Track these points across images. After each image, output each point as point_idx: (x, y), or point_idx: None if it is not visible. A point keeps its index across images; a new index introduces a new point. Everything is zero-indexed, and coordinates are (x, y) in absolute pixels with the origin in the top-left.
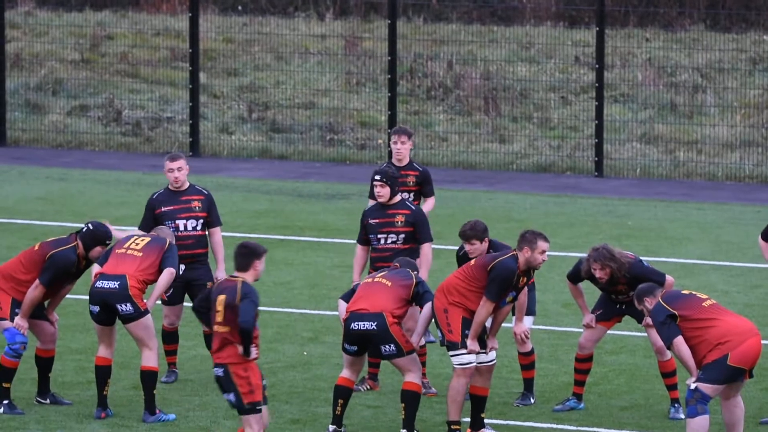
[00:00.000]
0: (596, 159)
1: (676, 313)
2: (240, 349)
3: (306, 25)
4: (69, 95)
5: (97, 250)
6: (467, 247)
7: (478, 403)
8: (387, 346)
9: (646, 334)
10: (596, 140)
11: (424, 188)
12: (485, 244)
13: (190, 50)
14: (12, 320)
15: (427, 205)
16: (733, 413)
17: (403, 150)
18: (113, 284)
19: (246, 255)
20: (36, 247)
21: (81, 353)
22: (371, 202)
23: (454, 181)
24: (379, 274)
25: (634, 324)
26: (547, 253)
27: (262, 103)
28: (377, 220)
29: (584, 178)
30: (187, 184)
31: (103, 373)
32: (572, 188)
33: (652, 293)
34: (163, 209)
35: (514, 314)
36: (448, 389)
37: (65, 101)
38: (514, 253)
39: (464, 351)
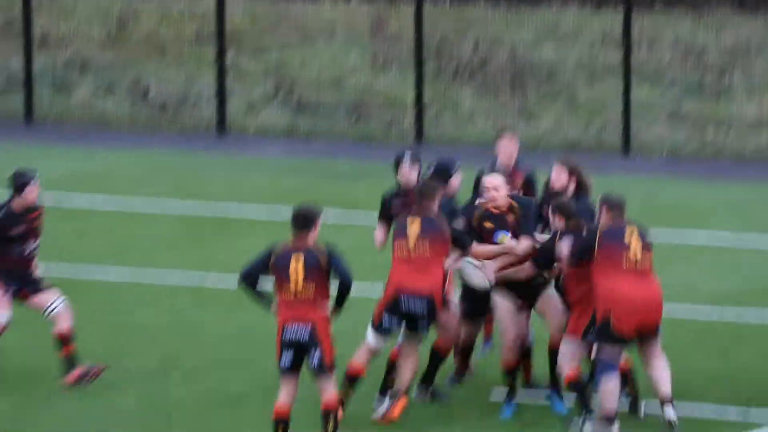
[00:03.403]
0: (623, 138)
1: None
2: (328, 308)
3: (332, 7)
4: (95, 74)
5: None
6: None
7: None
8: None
9: (672, 316)
10: (623, 119)
11: (527, 191)
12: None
13: (217, 29)
14: None
15: None
16: (652, 376)
17: (512, 149)
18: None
19: (306, 216)
20: None
21: (110, 328)
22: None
23: (481, 160)
24: None
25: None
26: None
27: (289, 82)
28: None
29: (611, 157)
30: None
31: None
32: (599, 167)
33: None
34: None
35: None
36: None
37: (92, 80)
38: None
39: None
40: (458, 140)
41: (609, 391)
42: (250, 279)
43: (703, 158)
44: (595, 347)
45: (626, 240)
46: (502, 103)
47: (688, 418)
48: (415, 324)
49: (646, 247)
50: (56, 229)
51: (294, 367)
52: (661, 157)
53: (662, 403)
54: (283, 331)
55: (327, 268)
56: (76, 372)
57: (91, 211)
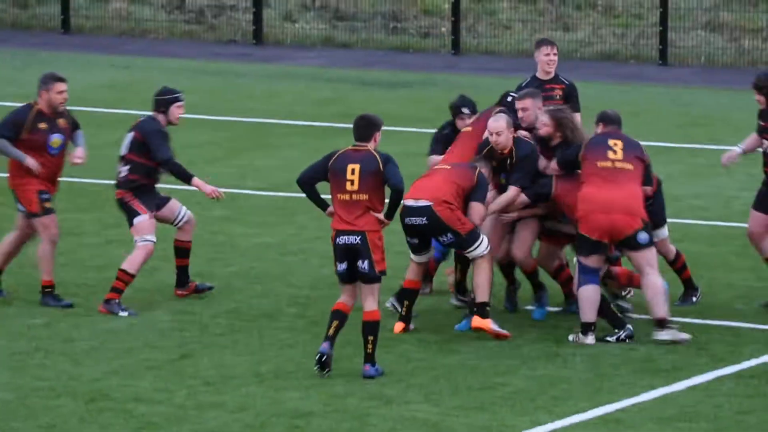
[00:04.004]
0: (660, 47)
1: (581, 157)
2: (379, 216)
3: None
4: None
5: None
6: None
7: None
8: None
9: (709, 222)
10: (660, 28)
11: (569, 104)
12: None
13: None
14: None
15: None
16: (646, 294)
17: (556, 61)
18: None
19: (367, 126)
20: None
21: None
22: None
23: (518, 70)
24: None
25: (698, 212)
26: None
27: None
28: None
29: (648, 67)
30: None
31: None
32: (636, 77)
33: (603, 121)
34: None
35: None
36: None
37: None
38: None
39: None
40: (494, 50)
41: (585, 299)
42: (307, 185)
43: (739, 67)
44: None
45: (609, 143)
46: (539, 12)
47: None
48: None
49: (631, 158)
50: (95, 138)
51: (349, 275)
52: (698, 66)
53: (655, 324)
54: (336, 238)
55: (382, 176)
56: (191, 285)
57: (128, 119)
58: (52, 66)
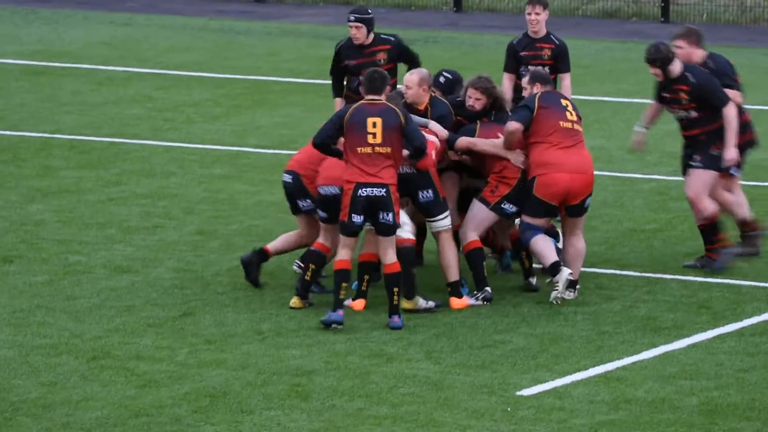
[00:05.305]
0: (662, 4)
1: (535, 112)
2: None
3: None
4: None
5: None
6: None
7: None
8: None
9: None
10: None
11: (559, 63)
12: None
13: None
14: None
15: (564, 84)
16: (568, 252)
17: (539, 20)
18: None
19: (382, 78)
20: None
21: (146, 197)
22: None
23: (519, 27)
24: None
25: None
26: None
27: None
28: (526, 53)
29: (650, 24)
30: (370, 38)
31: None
32: (638, 34)
33: (541, 81)
34: (347, 63)
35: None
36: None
37: None
38: None
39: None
40: (496, 7)
41: (540, 247)
42: (325, 145)
43: (741, 24)
44: (520, 219)
45: (563, 103)
46: None
47: None
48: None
49: (580, 120)
50: (95, 96)
51: (361, 228)
52: (700, 24)
53: (567, 285)
54: (356, 190)
55: (403, 131)
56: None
57: (128, 76)
58: (52, 22)
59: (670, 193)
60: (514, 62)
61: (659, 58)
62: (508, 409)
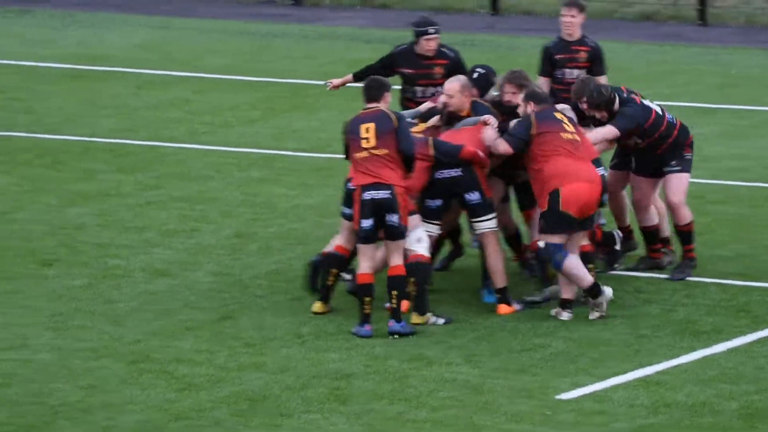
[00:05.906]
0: (700, 7)
1: (535, 131)
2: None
3: None
4: None
5: None
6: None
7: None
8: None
9: (750, 183)
10: None
11: (594, 66)
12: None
13: None
14: None
15: None
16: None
17: (573, 23)
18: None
19: (378, 87)
20: None
21: (184, 201)
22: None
23: (556, 30)
24: None
25: (738, 173)
26: None
27: None
28: (561, 56)
29: (687, 27)
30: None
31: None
32: (675, 36)
33: (535, 100)
34: (402, 70)
35: None
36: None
37: None
38: None
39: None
40: (533, 10)
41: (573, 269)
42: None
43: None
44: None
45: (557, 116)
46: None
47: None
48: None
49: (577, 129)
50: (133, 100)
51: (374, 232)
52: (737, 26)
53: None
54: (362, 193)
55: (397, 134)
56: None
57: (166, 80)
58: (90, 26)
59: (708, 197)
60: (550, 65)
61: (603, 101)
62: (548, 413)
